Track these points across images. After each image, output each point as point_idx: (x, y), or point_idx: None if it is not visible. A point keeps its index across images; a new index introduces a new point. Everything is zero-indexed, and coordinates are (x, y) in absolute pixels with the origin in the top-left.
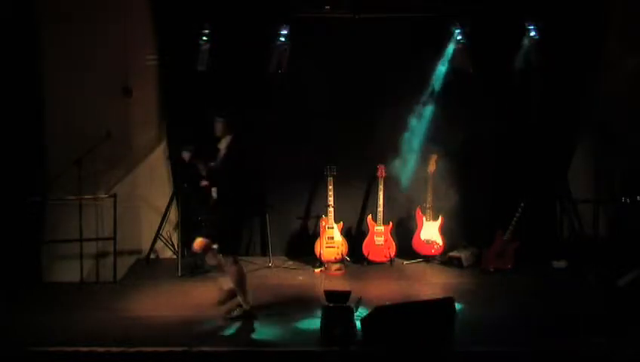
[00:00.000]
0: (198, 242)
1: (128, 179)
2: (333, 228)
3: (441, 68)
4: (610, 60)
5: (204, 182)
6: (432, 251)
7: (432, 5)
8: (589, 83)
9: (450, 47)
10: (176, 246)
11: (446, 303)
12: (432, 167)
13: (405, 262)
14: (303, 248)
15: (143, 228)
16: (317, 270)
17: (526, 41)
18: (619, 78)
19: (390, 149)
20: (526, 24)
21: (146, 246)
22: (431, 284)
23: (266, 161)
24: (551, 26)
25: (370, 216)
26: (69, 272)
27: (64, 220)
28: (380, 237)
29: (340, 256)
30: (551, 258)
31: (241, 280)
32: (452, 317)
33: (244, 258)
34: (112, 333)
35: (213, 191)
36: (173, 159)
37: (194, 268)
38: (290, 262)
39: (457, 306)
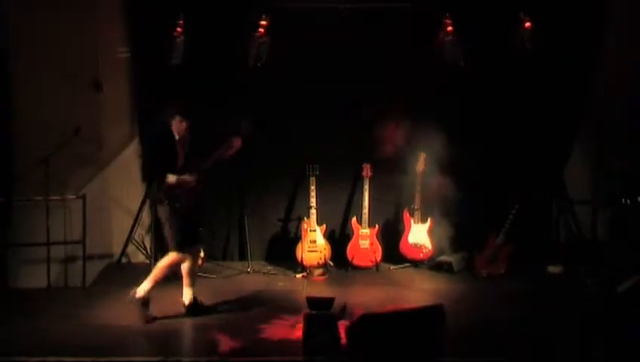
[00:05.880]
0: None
1: (98, 179)
2: (315, 231)
3: None
4: (610, 57)
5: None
6: (421, 255)
7: None
8: (587, 80)
9: None
10: (149, 250)
11: (435, 310)
12: (420, 167)
13: (392, 267)
14: (283, 252)
15: (113, 231)
16: (298, 275)
17: (521, 36)
18: (619, 76)
19: (376, 147)
20: (522, 17)
21: (117, 249)
22: (419, 290)
23: (244, 160)
24: (549, 21)
25: (354, 218)
26: (35, 277)
27: (30, 222)
28: (365, 240)
29: (323, 260)
30: (546, 262)
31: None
32: (442, 325)
33: (221, 262)
34: (81, 342)
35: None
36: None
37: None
38: (270, 267)
39: None
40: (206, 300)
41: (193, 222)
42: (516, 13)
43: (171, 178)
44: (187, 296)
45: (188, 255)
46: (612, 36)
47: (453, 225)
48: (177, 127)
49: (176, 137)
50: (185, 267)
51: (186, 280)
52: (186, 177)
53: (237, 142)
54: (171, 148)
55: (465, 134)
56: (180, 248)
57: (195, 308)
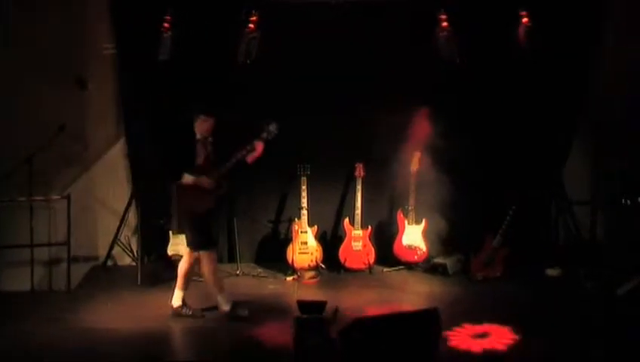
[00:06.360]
0: None
1: (83, 179)
2: (306, 232)
3: None
4: (609, 56)
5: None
6: (415, 257)
7: None
8: (585, 79)
9: None
10: (135, 253)
11: (430, 314)
12: (415, 166)
13: (385, 270)
14: (273, 254)
15: (99, 233)
16: (289, 278)
17: (519, 34)
18: (617, 74)
19: (369, 146)
20: (520, 15)
21: (102, 252)
22: (413, 293)
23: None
24: (547, 19)
25: (347, 220)
26: (18, 280)
27: (13, 223)
28: (357, 242)
29: (315, 262)
30: (544, 265)
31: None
32: (437, 329)
33: None
34: (67, 346)
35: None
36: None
37: (155, 276)
38: (260, 270)
39: None
40: (194, 304)
41: (209, 225)
42: (514, 10)
43: (187, 178)
44: (177, 298)
45: (206, 253)
46: (610, 34)
47: (448, 226)
48: (200, 126)
49: (198, 137)
50: (182, 269)
51: (179, 282)
52: (204, 179)
53: (259, 147)
54: (190, 148)
55: (462, 132)
56: (199, 247)
57: (183, 312)
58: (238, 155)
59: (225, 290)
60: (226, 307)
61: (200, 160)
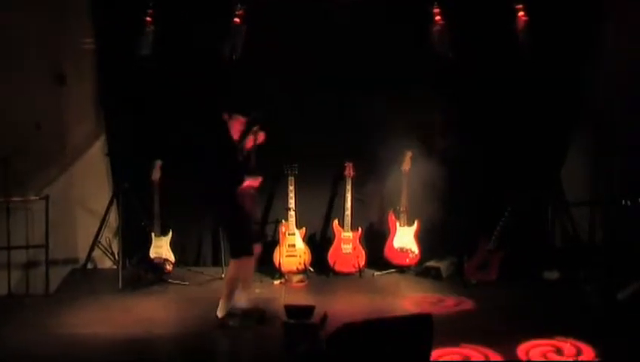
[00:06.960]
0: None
1: (62, 179)
2: (294, 234)
3: None
4: (609, 55)
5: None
6: (407, 260)
7: None
8: (584, 74)
9: None
10: (116, 255)
11: (422, 320)
12: (406, 166)
13: (376, 273)
14: (260, 257)
15: (78, 234)
16: (276, 282)
17: (518, 32)
18: (618, 74)
19: (359, 145)
20: (518, 13)
21: (82, 254)
22: (405, 298)
23: None
24: (547, 18)
25: (336, 221)
26: None
27: None
28: (347, 244)
29: (303, 266)
30: (542, 268)
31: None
32: (429, 335)
33: (193, 268)
34: (46, 352)
35: None
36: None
37: (136, 279)
38: None
39: None
40: (181, 308)
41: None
42: (512, 6)
43: (250, 181)
44: (222, 308)
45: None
46: (611, 34)
47: (441, 228)
48: (237, 126)
49: (235, 137)
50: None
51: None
52: (258, 179)
53: (261, 136)
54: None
55: (457, 132)
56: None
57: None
58: (251, 148)
59: (232, 300)
60: (220, 313)
61: (240, 159)
